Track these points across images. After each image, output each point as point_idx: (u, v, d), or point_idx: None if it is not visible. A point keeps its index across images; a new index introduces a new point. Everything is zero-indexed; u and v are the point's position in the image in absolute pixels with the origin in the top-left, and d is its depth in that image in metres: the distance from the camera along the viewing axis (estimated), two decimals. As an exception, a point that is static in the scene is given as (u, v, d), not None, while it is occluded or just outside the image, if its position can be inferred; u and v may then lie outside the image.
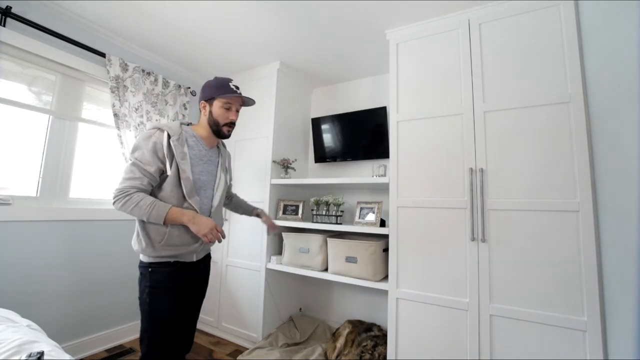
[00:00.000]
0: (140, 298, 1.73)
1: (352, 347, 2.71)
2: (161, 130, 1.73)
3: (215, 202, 1.92)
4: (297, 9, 2.53)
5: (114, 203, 1.61)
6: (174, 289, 1.75)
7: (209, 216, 1.89)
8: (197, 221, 1.67)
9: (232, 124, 1.90)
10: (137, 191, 1.61)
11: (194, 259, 1.86)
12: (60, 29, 2.63)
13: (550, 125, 2.05)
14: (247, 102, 1.96)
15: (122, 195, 1.59)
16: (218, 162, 2.00)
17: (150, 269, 1.70)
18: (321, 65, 3.47)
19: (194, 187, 1.76)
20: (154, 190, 1.72)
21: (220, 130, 1.88)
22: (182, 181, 1.71)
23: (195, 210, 1.76)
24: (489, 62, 2.30)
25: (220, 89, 1.84)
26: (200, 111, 1.92)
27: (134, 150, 1.69)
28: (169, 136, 1.71)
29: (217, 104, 1.85)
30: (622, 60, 1.90)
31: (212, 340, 3.23)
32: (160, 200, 1.69)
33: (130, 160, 1.67)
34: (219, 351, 3.02)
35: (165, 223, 1.63)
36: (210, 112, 1.87)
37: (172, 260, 1.74)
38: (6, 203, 2.36)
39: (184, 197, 1.73)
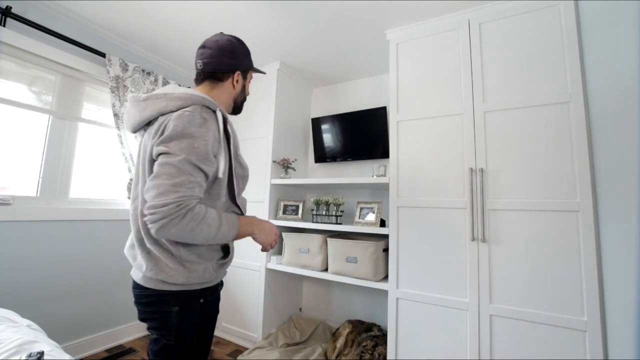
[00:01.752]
0: (175, 345, 1.20)
1: (352, 347, 2.71)
2: (211, 109, 1.22)
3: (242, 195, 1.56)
4: (298, 9, 2.53)
5: (162, 225, 1.02)
6: (210, 320, 1.44)
7: None
8: (263, 227, 1.34)
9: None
10: (198, 202, 1.10)
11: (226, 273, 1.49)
12: (60, 29, 2.63)
13: (550, 125, 2.05)
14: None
15: (180, 210, 1.03)
16: None
17: (202, 300, 1.27)
18: (321, 65, 3.47)
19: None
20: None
21: (241, 107, 1.55)
22: (235, 179, 1.32)
23: (242, 213, 1.40)
24: (489, 62, 2.30)
25: (251, 62, 1.53)
26: (221, 82, 1.42)
27: (175, 137, 1.10)
28: (223, 117, 1.26)
29: (248, 78, 1.54)
30: (622, 59, 1.90)
31: (212, 340, 3.22)
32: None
33: (172, 153, 1.08)
34: (219, 351, 3.01)
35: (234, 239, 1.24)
36: (244, 87, 1.52)
37: (209, 285, 1.33)
38: (6, 203, 2.35)
39: (232, 199, 1.34)
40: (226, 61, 1.40)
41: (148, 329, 1.23)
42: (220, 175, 1.19)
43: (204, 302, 1.27)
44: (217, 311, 1.47)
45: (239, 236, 1.23)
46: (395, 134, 2.59)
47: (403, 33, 2.68)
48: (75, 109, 2.85)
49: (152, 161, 1.15)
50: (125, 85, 2.97)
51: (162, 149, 1.10)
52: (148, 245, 1.19)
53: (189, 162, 1.07)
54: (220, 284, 1.46)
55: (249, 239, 1.36)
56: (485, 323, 2.08)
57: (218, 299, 1.44)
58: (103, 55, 2.87)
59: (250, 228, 1.28)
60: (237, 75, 1.44)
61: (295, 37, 2.93)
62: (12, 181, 2.49)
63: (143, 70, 3.14)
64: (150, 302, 1.21)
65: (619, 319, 1.78)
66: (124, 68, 2.99)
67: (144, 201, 1.09)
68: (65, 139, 2.76)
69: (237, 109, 1.53)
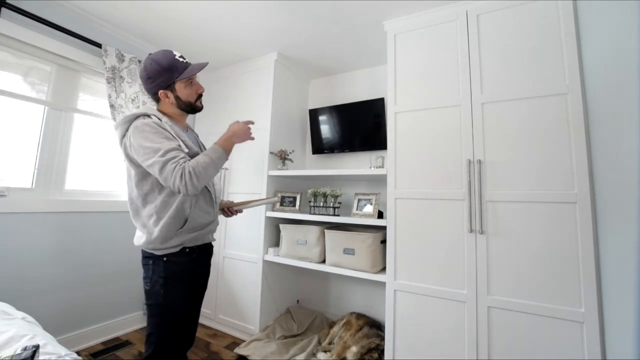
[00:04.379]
0: (150, 290, 1.58)
1: (355, 336, 2.70)
2: (145, 115, 1.54)
3: (216, 183, 1.84)
4: (296, 0, 2.51)
5: (185, 186, 1.41)
6: (190, 281, 1.66)
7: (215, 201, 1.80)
8: (236, 134, 1.68)
9: (201, 95, 1.76)
10: (188, 159, 1.47)
11: (211, 239, 1.82)
12: (55, 19, 2.60)
13: (548, 116, 2.04)
14: (200, 68, 1.73)
15: (183, 170, 1.41)
16: (198, 143, 1.85)
17: (165, 259, 1.56)
18: (319, 56, 3.44)
19: None
20: (155, 190, 1.56)
21: (195, 107, 1.74)
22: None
23: (213, 195, 1.72)
24: (486, 53, 2.28)
25: (175, 71, 1.60)
26: (159, 100, 1.69)
27: (139, 149, 1.46)
28: (158, 118, 1.55)
29: (180, 87, 1.64)
30: (620, 50, 1.89)
31: (209, 332, 3.23)
32: (170, 197, 1.55)
33: (147, 157, 1.44)
34: (216, 343, 3.02)
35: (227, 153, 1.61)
36: (178, 98, 1.66)
37: (187, 247, 1.62)
38: (1, 195, 2.34)
39: None
40: (148, 87, 1.64)
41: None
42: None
43: (167, 261, 1.57)
44: (188, 277, 1.66)
45: (228, 151, 1.62)
46: (393, 125, 2.57)
47: (401, 24, 2.66)
48: (70, 100, 2.83)
49: None
50: (121, 76, 2.95)
51: (139, 160, 1.51)
52: (134, 223, 1.64)
53: (156, 149, 1.45)
54: (191, 255, 1.66)
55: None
56: (483, 315, 2.08)
57: (189, 266, 1.65)
58: (99, 45, 2.84)
59: (229, 143, 1.64)
60: (162, 93, 1.63)
61: (292, 28, 2.90)
62: (6, 172, 2.47)
63: (139, 61, 3.10)
64: (142, 257, 1.64)
65: (616, 310, 1.78)
66: (120, 59, 2.96)
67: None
68: (60, 130, 2.74)
69: (191, 110, 1.75)
